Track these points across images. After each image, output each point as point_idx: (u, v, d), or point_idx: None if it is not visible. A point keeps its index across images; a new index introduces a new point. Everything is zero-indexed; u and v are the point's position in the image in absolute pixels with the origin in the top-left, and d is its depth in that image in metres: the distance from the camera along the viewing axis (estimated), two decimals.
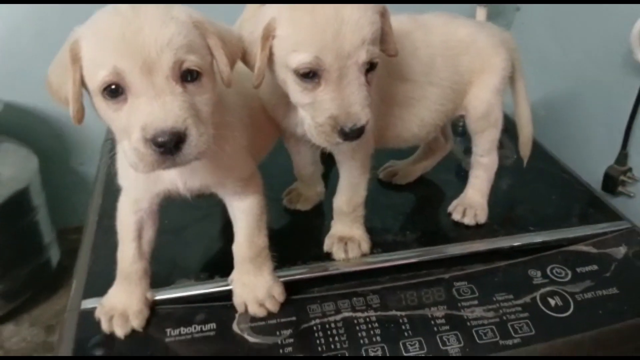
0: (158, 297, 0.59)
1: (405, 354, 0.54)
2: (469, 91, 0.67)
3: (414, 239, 0.68)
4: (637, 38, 0.83)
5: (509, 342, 0.55)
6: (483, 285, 0.61)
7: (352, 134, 0.50)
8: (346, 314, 0.57)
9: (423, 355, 0.54)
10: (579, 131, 1.09)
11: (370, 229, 0.68)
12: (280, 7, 0.51)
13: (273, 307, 0.57)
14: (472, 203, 0.71)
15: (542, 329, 0.57)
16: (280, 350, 0.54)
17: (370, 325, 0.56)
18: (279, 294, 0.58)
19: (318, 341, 0.55)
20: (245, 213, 0.56)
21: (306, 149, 0.70)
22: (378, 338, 0.55)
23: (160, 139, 0.43)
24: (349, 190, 0.64)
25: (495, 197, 0.74)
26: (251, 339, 0.55)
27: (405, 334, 0.56)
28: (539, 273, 0.63)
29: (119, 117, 0.45)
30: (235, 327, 0.56)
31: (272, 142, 0.66)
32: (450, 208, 0.72)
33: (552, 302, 0.59)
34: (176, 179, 0.52)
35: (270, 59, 0.52)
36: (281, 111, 0.60)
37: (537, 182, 0.79)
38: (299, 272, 0.62)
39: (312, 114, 0.51)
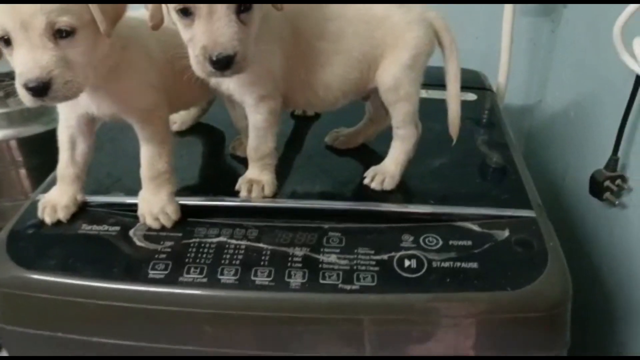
0: (89, 199, 0.73)
1: (252, 278, 0.62)
2: (380, 64, 0.72)
3: (318, 192, 0.76)
4: (619, 37, 0.80)
5: (347, 287, 0.61)
6: (353, 239, 0.67)
7: (220, 62, 0.58)
8: (222, 239, 0.67)
9: (267, 281, 0.62)
10: (584, 131, 1.06)
11: (284, 176, 0.76)
12: None
13: (166, 222, 0.69)
14: (384, 170, 0.76)
15: (383, 282, 0.62)
16: (155, 255, 0.65)
17: (236, 252, 0.66)
18: (172, 211, 0.69)
19: (188, 254, 0.65)
20: (146, 140, 0.68)
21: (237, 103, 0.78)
22: (236, 262, 0.64)
23: (30, 85, 0.56)
24: (256, 140, 0.73)
25: (419, 170, 0.78)
26: (138, 242, 0.67)
27: (261, 263, 0.64)
28: (411, 238, 0.67)
29: (11, 61, 0.58)
30: (131, 233, 0.68)
31: (200, 90, 0.76)
32: (365, 173, 0.77)
33: (407, 263, 0.64)
34: (90, 104, 0.66)
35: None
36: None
37: (472, 164, 0.81)
38: (199, 200, 0.73)
39: (192, 48, 0.60)
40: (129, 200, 0.73)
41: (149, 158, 0.69)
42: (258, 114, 0.71)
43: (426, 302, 0.61)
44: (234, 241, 0.67)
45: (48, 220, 0.70)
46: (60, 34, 0.56)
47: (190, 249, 0.66)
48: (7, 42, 0.57)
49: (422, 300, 0.61)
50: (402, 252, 0.65)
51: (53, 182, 0.75)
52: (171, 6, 0.60)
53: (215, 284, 0.62)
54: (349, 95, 0.75)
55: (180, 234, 0.68)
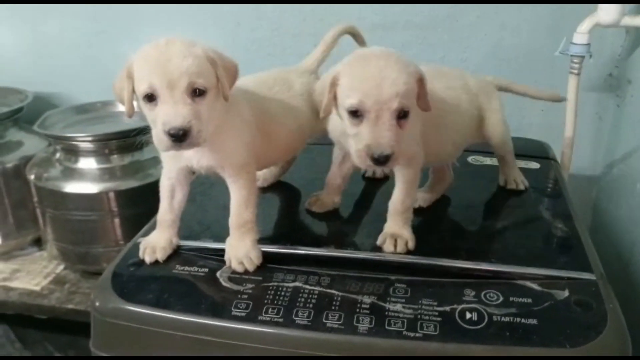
0: (182, 244, 0.83)
1: (324, 320, 0.69)
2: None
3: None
4: None
5: (411, 334, 0.66)
6: (417, 290, 0.72)
7: (380, 160, 0.71)
8: (298, 284, 0.74)
9: (337, 324, 0.68)
10: None
11: (356, 231, 0.84)
12: (344, 64, 0.75)
13: (249, 266, 0.77)
14: None
15: (445, 332, 0.66)
16: (238, 295, 0.73)
17: (310, 296, 0.72)
18: (255, 257, 0.77)
19: (267, 296, 0.72)
20: (236, 191, 0.78)
21: (348, 166, 0.90)
22: (310, 305, 0.71)
23: (172, 132, 0.68)
24: (403, 193, 0.82)
25: (482, 231, 0.83)
26: (223, 283, 0.75)
27: (332, 307, 0.70)
28: (473, 293, 0.71)
29: (151, 114, 0.71)
30: (217, 274, 0.77)
31: (283, 151, 0.87)
32: None
33: (468, 315, 0.68)
34: (191, 158, 0.76)
35: (335, 101, 0.76)
36: (343, 136, 0.81)
37: (534, 229, 0.85)
38: (277, 248, 0.81)
39: (355, 142, 0.73)
40: (216, 245, 0.82)
41: (237, 207, 0.78)
42: (407, 174, 0.83)
43: (485, 353, 0.64)
44: (308, 286, 0.74)
45: (147, 259, 0.80)
46: (195, 93, 0.69)
47: (269, 292, 0.73)
48: (151, 98, 0.69)
49: (482, 351, 0.64)
50: (464, 305, 0.69)
51: (152, 228, 0.86)
52: (342, 107, 0.74)
53: (290, 324, 0.68)
54: (463, 147, 0.91)
55: (260, 278, 0.76)
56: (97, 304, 0.76)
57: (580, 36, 1.12)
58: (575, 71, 1.16)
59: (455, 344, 0.65)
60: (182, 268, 0.79)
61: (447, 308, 0.69)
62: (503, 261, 0.77)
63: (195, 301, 0.73)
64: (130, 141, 1.28)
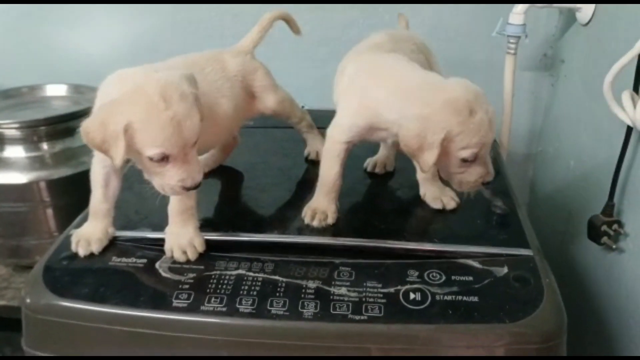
0: (119, 234, 0.79)
1: (269, 308, 0.67)
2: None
3: (329, 229, 0.82)
4: (609, 90, 0.86)
5: (357, 317, 0.66)
6: (362, 273, 0.72)
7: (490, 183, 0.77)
8: (241, 272, 0.73)
9: (282, 311, 0.67)
10: (583, 179, 1.11)
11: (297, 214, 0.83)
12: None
13: (192, 255, 0.74)
14: None
15: (390, 313, 0.66)
16: (179, 285, 0.71)
17: (254, 283, 0.71)
18: (199, 244, 0.75)
19: (209, 285, 0.71)
20: None
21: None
22: (254, 293, 0.69)
23: (191, 187, 0.70)
24: None
25: (424, 212, 0.84)
26: (163, 274, 0.73)
27: (277, 294, 0.69)
28: (416, 273, 0.72)
29: (159, 170, 0.69)
30: (157, 265, 0.74)
31: (219, 133, 0.87)
32: None
33: (412, 295, 0.68)
34: None
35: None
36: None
37: (475, 209, 0.87)
38: (219, 235, 0.79)
39: (464, 176, 0.76)
40: (155, 235, 0.79)
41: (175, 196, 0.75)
42: None
43: (430, 332, 0.65)
44: (251, 274, 0.72)
45: (82, 252, 0.76)
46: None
47: (211, 281, 0.71)
48: (161, 159, 0.67)
49: (426, 330, 0.65)
50: (408, 286, 0.70)
51: (84, 220, 0.82)
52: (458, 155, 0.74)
53: (234, 313, 0.67)
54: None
55: (202, 267, 0.74)
56: (27, 300, 0.72)
57: (516, 17, 1.14)
58: (512, 51, 1.18)
59: (399, 325, 0.65)
60: (119, 260, 0.75)
61: (392, 289, 0.70)
62: (445, 240, 0.78)
63: (133, 294, 0.70)
64: (60, 127, 1.22)
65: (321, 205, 0.82)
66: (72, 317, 0.69)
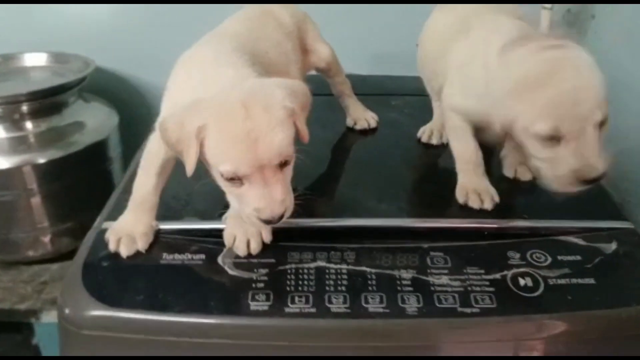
0: (163, 227, 0.67)
1: (364, 305, 0.58)
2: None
3: (406, 209, 0.72)
4: None
5: (468, 310, 0.58)
6: (458, 258, 0.63)
7: (592, 182, 0.59)
8: (320, 264, 0.63)
9: (381, 308, 0.58)
10: None
11: (369, 197, 0.73)
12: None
13: (255, 246, 0.64)
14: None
15: (503, 303, 0.58)
16: (253, 284, 0.60)
17: (339, 276, 0.61)
18: (267, 235, 0.64)
19: (288, 282, 0.60)
20: None
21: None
22: (343, 288, 0.60)
23: (268, 220, 0.57)
24: None
25: (505, 185, 0.76)
26: (230, 271, 0.62)
27: (369, 288, 0.60)
28: (517, 255, 0.64)
29: (234, 190, 0.57)
30: (219, 260, 0.63)
31: None
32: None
33: (522, 281, 0.61)
34: None
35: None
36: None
37: None
38: (290, 222, 0.68)
39: (553, 168, 0.60)
40: (206, 225, 0.68)
41: None
42: None
43: (553, 322, 0.58)
44: (332, 265, 0.63)
45: (125, 252, 0.63)
46: (284, 164, 0.57)
47: (288, 276, 0.61)
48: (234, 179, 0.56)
49: (549, 320, 0.58)
50: (514, 271, 0.62)
51: (116, 210, 0.69)
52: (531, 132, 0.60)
53: (325, 314, 0.57)
54: None
55: (273, 260, 0.63)
56: (67, 311, 0.60)
57: None
58: (548, 7, 1.10)
59: (518, 316, 0.58)
60: (171, 257, 0.64)
61: (497, 275, 0.61)
62: (535, 216, 0.70)
63: (200, 298, 0.59)
64: (46, 103, 1.07)
65: (479, 185, 0.73)
66: (129, 330, 0.58)
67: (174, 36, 1.23)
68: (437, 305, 0.58)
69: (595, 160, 0.58)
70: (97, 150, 1.15)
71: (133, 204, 0.67)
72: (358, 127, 0.92)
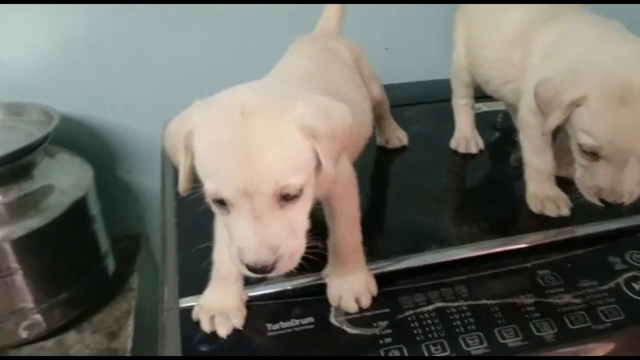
0: (252, 294, 0.60)
1: (501, 341, 0.55)
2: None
3: (489, 228, 0.70)
4: None
5: (601, 326, 0.57)
6: (565, 273, 0.62)
7: (614, 205, 0.60)
8: (438, 304, 0.59)
9: (519, 341, 0.55)
10: None
11: (445, 221, 0.70)
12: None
13: (366, 302, 0.59)
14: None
15: (631, 313, 0.58)
16: (380, 341, 0.55)
17: (463, 315, 0.58)
18: (374, 287, 0.59)
19: (415, 331, 0.56)
20: (344, 211, 0.58)
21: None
22: (473, 327, 0.57)
23: (251, 267, 0.46)
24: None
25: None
26: (350, 330, 0.56)
27: (499, 321, 0.57)
28: (618, 259, 0.64)
29: (222, 217, 0.48)
30: (333, 320, 0.58)
31: (363, 140, 0.69)
32: None
33: (636, 286, 0.61)
34: None
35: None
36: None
37: None
38: (387, 265, 0.63)
39: (585, 175, 0.63)
40: (300, 283, 0.62)
41: (346, 230, 0.59)
42: None
43: None
44: (451, 304, 0.59)
45: (223, 331, 0.56)
46: (286, 197, 0.46)
47: (412, 324, 0.57)
48: (221, 203, 0.47)
49: None
50: (624, 276, 0.62)
51: (187, 282, 0.62)
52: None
53: (465, 356, 0.54)
54: None
55: (387, 310, 0.59)
56: None
57: None
58: None
59: None
60: (277, 326, 0.57)
61: (612, 284, 0.61)
62: (605, 218, 0.70)
63: None
64: (12, 167, 0.93)
65: (552, 192, 0.72)
66: None
67: (134, 76, 1.14)
68: (571, 327, 0.57)
69: (622, 188, 0.60)
70: (77, 210, 1.03)
71: (217, 278, 0.59)
72: (390, 146, 0.89)
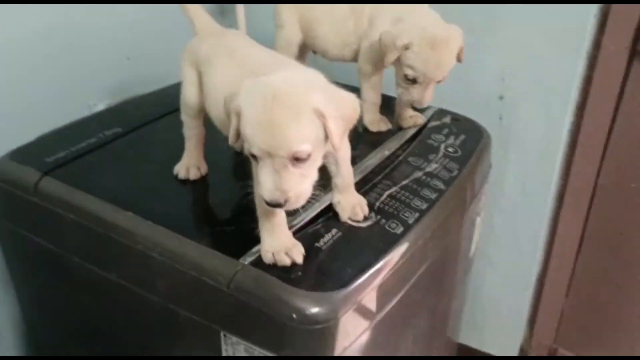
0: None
1: None
2: None
3: None
4: None
5: None
6: None
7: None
8: (387, 192, 0.92)
9: None
10: None
11: None
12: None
13: (365, 209, 0.85)
14: None
15: None
16: (380, 222, 0.85)
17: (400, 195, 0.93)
18: (364, 200, 0.86)
19: (389, 210, 0.88)
20: (345, 158, 0.81)
21: None
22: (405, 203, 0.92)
23: (269, 202, 0.66)
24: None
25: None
26: (362, 224, 0.84)
27: None
28: None
29: (255, 165, 0.69)
30: (350, 222, 0.84)
31: None
32: None
33: None
34: None
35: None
36: None
37: None
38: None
39: (404, 93, 1.01)
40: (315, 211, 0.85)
41: (348, 166, 0.83)
42: None
43: None
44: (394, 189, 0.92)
45: (299, 258, 0.75)
46: (298, 159, 0.65)
47: (384, 208, 0.88)
48: (254, 156, 0.67)
49: None
50: None
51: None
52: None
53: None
54: None
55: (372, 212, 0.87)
56: None
57: None
58: None
59: None
60: (321, 243, 0.80)
61: None
62: None
63: None
64: None
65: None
66: None
67: None
68: None
69: (424, 99, 0.98)
70: None
71: (267, 225, 0.75)
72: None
